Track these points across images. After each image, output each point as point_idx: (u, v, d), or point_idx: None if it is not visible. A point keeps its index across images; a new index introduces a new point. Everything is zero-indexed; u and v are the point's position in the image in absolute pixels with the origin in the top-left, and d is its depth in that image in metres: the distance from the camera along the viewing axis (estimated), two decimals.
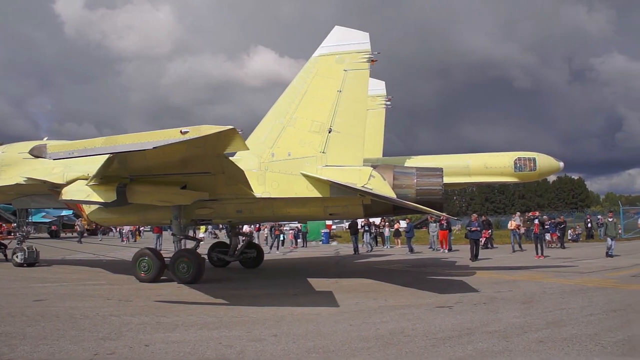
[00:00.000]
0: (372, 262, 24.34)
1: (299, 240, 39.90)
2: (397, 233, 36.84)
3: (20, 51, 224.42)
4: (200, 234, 47.66)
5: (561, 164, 16.33)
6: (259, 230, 43.07)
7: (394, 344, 8.03)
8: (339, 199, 14.90)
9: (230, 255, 20.56)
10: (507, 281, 15.46)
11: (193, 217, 16.55)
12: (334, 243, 43.67)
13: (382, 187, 14.16)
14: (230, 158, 14.68)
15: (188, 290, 13.90)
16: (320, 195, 14.55)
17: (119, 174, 13.82)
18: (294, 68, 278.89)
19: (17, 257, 20.45)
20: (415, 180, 14.76)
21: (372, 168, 14.55)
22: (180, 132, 9.77)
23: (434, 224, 32.10)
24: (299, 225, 41.50)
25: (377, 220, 38.96)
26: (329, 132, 14.69)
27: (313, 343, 8.14)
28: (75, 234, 47.27)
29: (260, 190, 14.72)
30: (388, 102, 20.67)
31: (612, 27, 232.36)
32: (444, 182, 15.36)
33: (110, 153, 11.27)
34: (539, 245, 24.14)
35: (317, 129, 14.79)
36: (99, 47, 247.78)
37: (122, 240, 45.88)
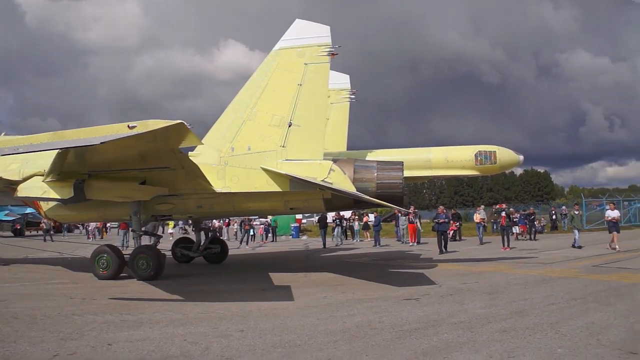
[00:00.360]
0: (341, 256, 24.45)
1: (269, 235, 39.72)
2: (366, 226, 37.04)
3: None
4: (170, 229, 47.07)
5: (521, 157, 16.64)
6: (228, 225, 42.86)
7: (360, 337, 8.08)
8: (299, 193, 14.91)
9: (194, 251, 20.47)
10: (474, 273, 15.74)
11: (153, 212, 16.34)
12: (304, 237, 43.62)
13: (342, 181, 14.07)
14: (190, 153, 14.84)
15: (153, 288, 13.67)
16: (280, 190, 14.53)
17: (76, 169, 13.62)
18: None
19: None
20: (375, 174, 14.80)
21: (332, 162, 14.44)
22: (128, 126, 9.68)
23: (404, 217, 32.48)
24: (268, 219, 41.43)
25: (348, 214, 39.19)
26: (289, 126, 14.59)
27: (279, 338, 8.12)
28: (40, 232, 46.00)
29: (220, 185, 14.63)
30: (352, 96, 20.71)
31: (577, 24, 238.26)
32: (406, 175, 15.51)
33: (56, 149, 11.04)
34: (505, 237, 24.64)
35: (277, 122, 14.67)
36: (64, 39, 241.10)
37: (89, 238, 44.70)
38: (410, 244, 29.59)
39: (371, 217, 38.70)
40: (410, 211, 30.30)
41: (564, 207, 45.29)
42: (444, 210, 24.31)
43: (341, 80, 20.64)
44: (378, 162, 15.28)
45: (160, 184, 14.46)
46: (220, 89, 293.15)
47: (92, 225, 44.35)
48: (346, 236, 36.80)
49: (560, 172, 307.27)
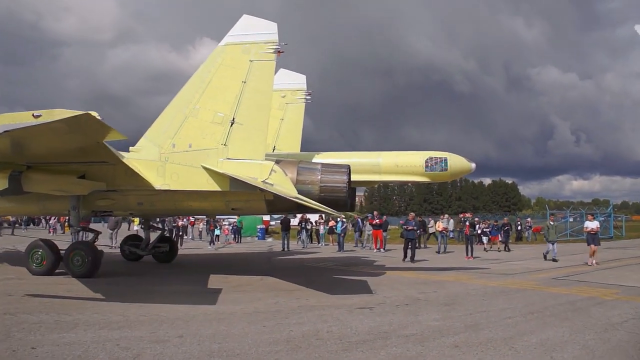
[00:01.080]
0: (303, 260, 24.00)
1: (235, 236, 38.94)
2: (331, 230, 36.69)
3: None
4: (135, 226, 45.89)
5: (473, 165, 16.34)
6: (193, 224, 41.99)
7: (304, 347, 7.62)
8: (240, 193, 14.43)
9: (142, 249, 19.92)
10: (434, 282, 15.49)
11: (93, 208, 15.83)
12: (270, 239, 43.03)
13: (283, 182, 13.65)
14: (131, 148, 14.60)
15: (102, 286, 13.02)
16: (219, 189, 14.04)
17: (12, 160, 13.11)
18: None
19: None
20: (319, 177, 14.38)
21: (274, 162, 14.02)
22: (33, 115, 9.29)
23: (368, 223, 32.36)
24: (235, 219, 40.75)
25: (315, 217, 38.82)
26: (232, 124, 14.10)
27: (219, 345, 7.60)
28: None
29: (159, 182, 14.15)
30: (308, 97, 20.29)
31: (547, 41, 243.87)
32: (354, 179, 15.36)
33: None
34: (469, 246, 24.57)
35: (219, 120, 14.19)
36: (34, 28, 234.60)
37: (49, 232, 43.11)
38: (375, 250, 29.30)
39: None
40: (374, 216, 30.33)
41: (529, 219, 45.76)
42: (414, 217, 23.92)
43: (297, 81, 20.27)
44: (323, 165, 14.86)
45: (100, 178, 14.07)
46: None
47: (53, 218, 42.86)
48: (311, 240, 36.42)
49: (528, 184, 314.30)
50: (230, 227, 39.65)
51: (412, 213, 26.92)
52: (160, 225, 23.35)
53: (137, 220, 47.01)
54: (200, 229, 41.05)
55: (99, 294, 12.02)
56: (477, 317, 10.00)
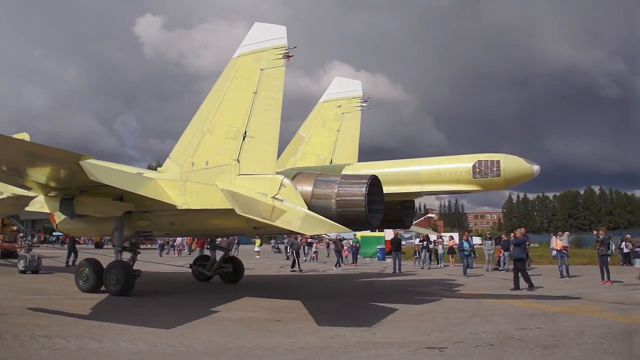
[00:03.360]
0: (409, 282, 20.95)
1: (349, 256, 36.26)
2: (451, 250, 33.70)
3: (106, 73, 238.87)
4: (256, 247, 46.68)
5: (535, 167, 12.90)
6: (238, 243, 41.39)
7: None
8: None
9: (208, 269, 19.23)
10: (543, 314, 12.19)
11: (136, 228, 15.51)
12: (389, 260, 40.82)
13: (292, 197, 12.01)
14: (159, 169, 14.53)
15: (158, 309, 12.28)
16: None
17: (66, 186, 13.76)
18: (369, 81, 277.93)
19: (20, 264, 20.86)
20: (336, 190, 12.29)
21: (283, 176, 12.47)
22: None
23: (490, 241, 28.95)
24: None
25: (433, 236, 35.99)
26: (244, 138, 12.99)
27: None
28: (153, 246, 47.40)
29: (181, 201, 13.51)
30: (364, 104, 18.04)
31: None
32: (391, 192, 13.38)
33: None
34: (604, 268, 20.01)
35: (233, 135, 13.16)
36: (177, 65, 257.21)
37: (175, 254, 44.70)
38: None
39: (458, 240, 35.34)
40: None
41: None
42: (523, 234, 19.86)
43: (353, 88, 18.23)
44: (344, 177, 12.82)
45: (130, 200, 13.82)
46: None
47: (179, 240, 44.68)
48: (430, 260, 33.54)
49: None
50: (349, 248, 37.80)
51: (519, 229, 22.47)
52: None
53: (258, 241, 48.13)
54: (315, 249, 39.96)
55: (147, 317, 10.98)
56: None
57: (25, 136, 16.11)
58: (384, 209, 13.90)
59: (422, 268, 29.97)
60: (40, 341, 8.27)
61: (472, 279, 22.33)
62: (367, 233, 45.03)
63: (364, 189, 12.05)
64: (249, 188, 12.49)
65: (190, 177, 13.71)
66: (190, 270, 20.42)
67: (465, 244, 27.66)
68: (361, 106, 17.79)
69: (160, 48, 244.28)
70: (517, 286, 17.40)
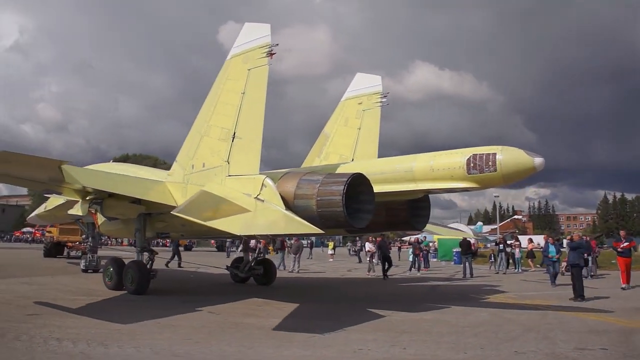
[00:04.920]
0: (472, 289, 18.90)
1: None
2: (530, 254, 31.10)
3: (192, 81, 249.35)
4: (329, 250, 46.23)
5: (537, 160, 11.13)
6: (266, 245, 40.59)
7: None
8: None
9: (241, 271, 19.12)
10: (618, 330, 10.46)
11: (156, 230, 15.77)
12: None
13: (272, 197, 11.50)
14: (167, 172, 14.86)
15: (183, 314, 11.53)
16: None
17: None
18: (454, 80, 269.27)
19: (81, 264, 22.03)
20: (316, 190, 11.50)
21: (264, 177, 12.00)
22: None
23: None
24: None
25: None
26: (233, 139, 12.91)
27: None
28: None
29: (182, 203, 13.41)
30: (384, 99, 17.06)
31: None
32: (383, 191, 12.34)
33: None
34: None
35: (224, 136, 13.16)
36: None
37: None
38: (624, 286, 18.51)
39: (538, 242, 32.63)
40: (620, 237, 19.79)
41: None
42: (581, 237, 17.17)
43: (373, 83, 17.32)
44: (326, 176, 11.93)
45: (145, 203, 14.06)
46: (411, 111, 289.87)
47: (253, 242, 44.96)
48: (508, 265, 31.07)
49: None
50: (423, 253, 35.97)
51: (623, 230, 19.35)
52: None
53: (331, 244, 47.70)
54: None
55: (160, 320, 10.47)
56: None
57: None
58: (389, 210, 13.38)
59: (497, 273, 27.88)
60: (48, 344, 8.16)
61: (545, 285, 20.20)
62: (444, 235, 43.33)
63: (341, 188, 11.21)
64: (236, 189, 12.27)
65: (190, 179, 13.90)
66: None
67: (552, 249, 21.92)
68: (381, 102, 16.95)
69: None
70: (578, 295, 15.37)
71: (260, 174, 12.26)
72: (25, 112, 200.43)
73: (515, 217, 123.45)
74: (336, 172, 12.90)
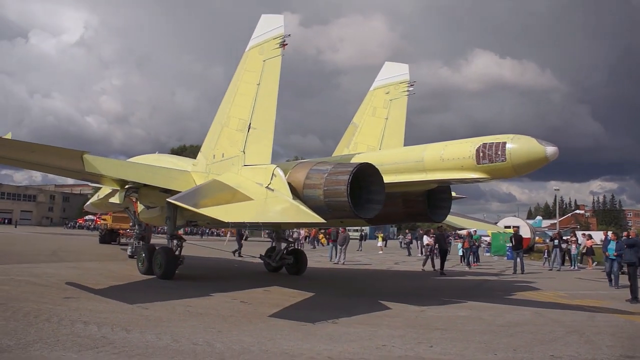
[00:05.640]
0: (520, 286, 17.73)
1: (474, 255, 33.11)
2: (589, 251, 29.44)
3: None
4: (379, 242, 45.86)
5: (549, 149, 10.27)
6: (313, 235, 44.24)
7: None
8: None
9: (272, 260, 19.29)
10: None
11: (185, 218, 16.12)
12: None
13: (280, 187, 11.70)
14: (192, 161, 15.58)
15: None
16: None
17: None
18: (517, 69, 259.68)
19: (128, 250, 23.27)
20: (324, 180, 11.41)
21: (275, 166, 12.22)
22: None
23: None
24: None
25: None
26: (249, 130, 13.32)
27: None
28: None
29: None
30: (411, 88, 16.67)
31: None
32: (393, 181, 12.07)
33: None
34: None
35: (241, 127, 13.59)
36: (316, 62, 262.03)
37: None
38: None
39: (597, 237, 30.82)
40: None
41: None
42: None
43: (400, 72, 16.97)
44: (335, 165, 11.79)
45: (172, 192, 14.19)
46: (470, 101, 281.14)
47: (301, 232, 45.06)
48: (563, 261, 29.56)
49: None
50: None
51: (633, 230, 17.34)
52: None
53: (380, 236, 47.32)
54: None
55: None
56: None
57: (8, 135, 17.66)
58: (406, 201, 13.38)
59: (551, 270, 26.65)
60: (74, 327, 8.25)
61: (601, 285, 19.02)
62: (498, 228, 42.14)
63: (346, 178, 11.16)
64: (250, 178, 12.60)
65: (211, 169, 14.40)
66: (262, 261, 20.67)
67: (612, 246, 19.13)
68: (407, 91, 16.67)
69: (298, 45, 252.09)
70: (634, 296, 14.38)
71: (273, 164, 12.58)
72: (90, 105, 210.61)
73: (577, 211, 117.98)
74: (350, 162, 12.80)
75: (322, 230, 46.95)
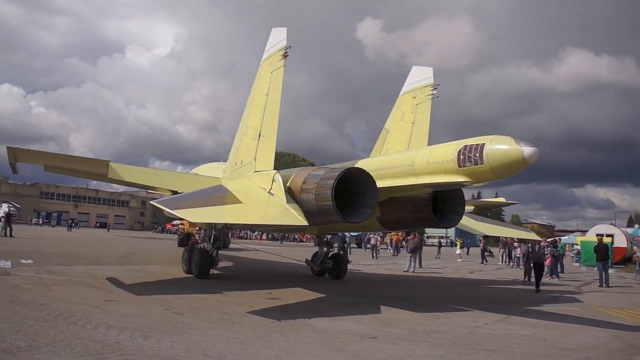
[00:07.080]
0: (606, 301, 16.29)
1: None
2: None
3: (334, 78, 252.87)
4: (457, 250, 44.51)
5: (525, 149, 9.54)
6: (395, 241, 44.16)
7: None
8: None
9: (315, 265, 19.88)
10: None
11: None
12: (611, 271, 33.80)
13: (278, 191, 12.45)
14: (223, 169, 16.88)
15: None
16: None
17: None
18: (614, 67, 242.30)
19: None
20: (315, 184, 11.78)
21: (275, 172, 13.09)
22: None
23: None
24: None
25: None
26: (259, 138, 14.30)
27: None
28: None
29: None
30: (434, 91, 16.36)
31: None
32: (386, 186, 12.22)
33: None
34: None
35: (254, 135, 14.61)
36: (399, 66, 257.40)
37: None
38: None
39: None
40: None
41: None
42: None
43: (425, 75, 16.70)
44: (328, 171, 12.10)
45: None
46: (562, 102, 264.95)
47: (374, 239, 43.96)
48: None
49: None
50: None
51: None
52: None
53: (459, 242, 45.86)
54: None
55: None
56: None
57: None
58: (415, 206, 13.34)
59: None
60: (96, 331, 8.17)
61: None
62: (590, 238, 39.45)
63: (331, 182, 11.50)
64: (257, 183, 13.37)
65: (233, 175, 15.46)
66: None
67: None
68: (431, 94, 16.41)
69: (381, 50, 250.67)
70: None
71: (273, 170, 13.47)
72: (180, 114, 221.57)
73: None
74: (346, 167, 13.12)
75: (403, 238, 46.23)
